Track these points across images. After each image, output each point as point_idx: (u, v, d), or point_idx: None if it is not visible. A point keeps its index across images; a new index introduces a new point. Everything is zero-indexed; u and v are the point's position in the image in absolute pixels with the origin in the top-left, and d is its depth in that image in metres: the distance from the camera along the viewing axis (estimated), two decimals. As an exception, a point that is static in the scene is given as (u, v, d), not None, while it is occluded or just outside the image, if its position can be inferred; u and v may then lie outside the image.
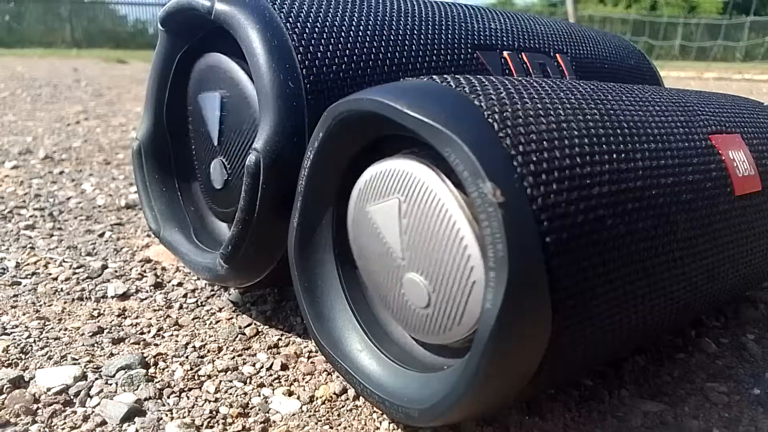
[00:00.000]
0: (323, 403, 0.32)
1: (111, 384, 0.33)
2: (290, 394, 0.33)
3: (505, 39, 0.43)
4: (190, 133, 0.42)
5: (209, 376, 0.34)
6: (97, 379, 0.33)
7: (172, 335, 0.39)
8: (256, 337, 0.39)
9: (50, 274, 0.48)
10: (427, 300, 0.26)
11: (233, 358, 0.36)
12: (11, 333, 0.38)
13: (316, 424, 0.30)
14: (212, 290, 0.46)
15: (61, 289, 0.45)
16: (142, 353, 0.36)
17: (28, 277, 0.47)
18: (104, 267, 0.49)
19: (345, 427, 0.30)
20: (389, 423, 0.31)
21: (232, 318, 0.41)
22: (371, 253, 0.29)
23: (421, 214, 0.25)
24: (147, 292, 0.45)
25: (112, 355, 0.36)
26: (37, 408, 0.31)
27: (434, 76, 0.27)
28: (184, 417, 0.30)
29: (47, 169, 0.86)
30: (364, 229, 0.29)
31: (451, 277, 0.25)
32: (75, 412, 0.30)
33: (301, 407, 0.32)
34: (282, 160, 0.32)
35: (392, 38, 0.37)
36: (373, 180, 0.28)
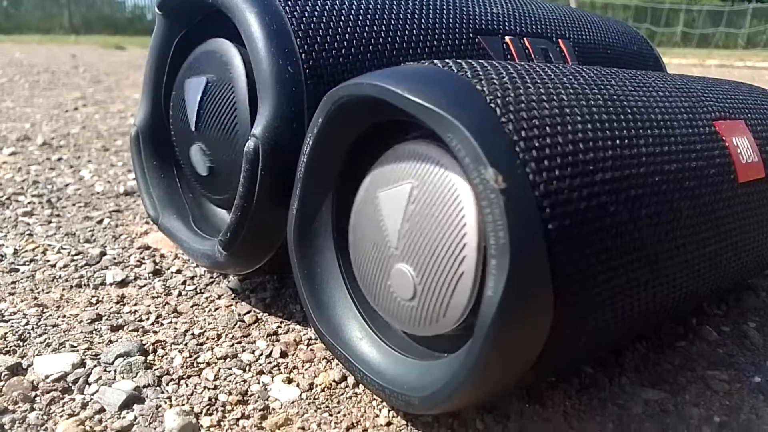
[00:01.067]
0: (323, 390, 0.32)
1: (110, 371, 0.33)
2: (289, 381, 0.33)
3: (506, 24, 0.43)
4: (170, 118, 0.42)
5: (208, 364, 0.34)
6: (95, 366, 0.33)
7: (170, 322, 0.39)
8: (256, 324, 0.39)
9: (48, 260, 0.48)
10: (412, 292, 0.26)
11: (232, 345, 0.36)
12: (9, 320, 0.38)
13: (316, 411, 0.30)
14: (211, 277, 0.46)
15: (60, 276, 0.45)
16: (141, 340, 0.36)
17: (26, 263, 0.47)
18: (103, 254, 0.49)
19: (344, 415, 0.30)
20: (389, 410, 0.31)
21: (231, 305, 0.41)
22: (367, 241, 0.29)
23: (430, 199, 0.25)
24: (146, 279, 0.45)
25: (110, 342, 0.36)
26: (36, 395, 0.30)
27: (435, 61, 0.26)
28: (183, 404, 0.30)
29: (45, 155, 0.86)
30: (366, 215, 0.28)
31: (439, 268, 0.25)
32: (73, 399, 0.30)
33: (300, 395, 0.32)
34: (281, 146, 0.32)
35: (392, 22, 0.37)
36: (389, 165, 0.27)
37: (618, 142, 0.26)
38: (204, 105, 0.37)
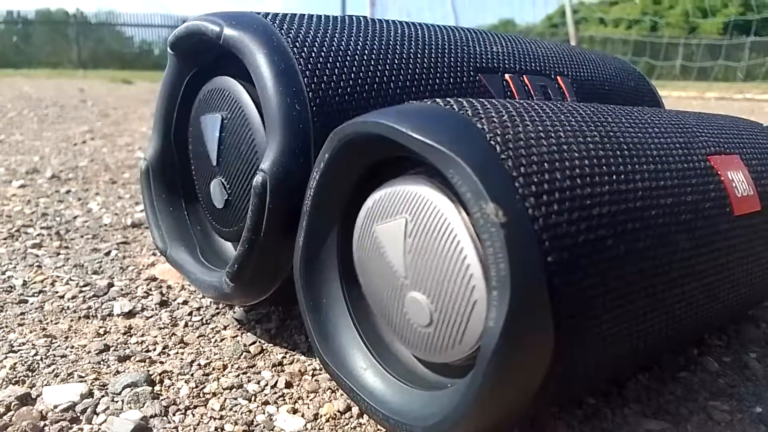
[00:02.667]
0: (327, 420, 0.32)
1: (117, 401, 0.33)
2: (294, 411, 0.33)
3: (506, 62, 0.44)
4: (190, 153, 0.43)
5: (214, 394, 0.34)
6: (103, 396, 0.33)
7: (177, 353, 0.39)
8: (261, 354, 0.39)
9: (57, 292, 0.48)
10: (429, 319, 0.27)
11: (238, 375, 0.37)
12: (18, 350, 0.38)
13: (321, 441, 0.31)
14: (217, 308, 0.46)
15: (68, 307, 0.45)
16: (148, 371, 0.36)
17: (35, 295, 0.48)
18: (110, 285, 0.50)
19: (349, 445, 0.30)
20: (393, 441, 0.31)
21: (237, 336, 0.42)
22: (374, 272, 0.29)
23: (426, 234, 0.26)
24: (152, 310, 0.46)
25: (118, 372, 0.36)
26: (44, 425, 0.31)
27: (437, 99, 0.27)
28: (189, 434, 0.31)
29: (54, 188, 0.87)
30: (368, 248, 0.29)
31: (453, 297, 0.25)
32: (82, 429, 0.31)
33: (305, 425, 0.32)
34: (288, 180, 0.33)
35: (396, 62, 0.38)
36: (382, 200, 0.28)
37: (615, 177, 0.26)
38: (224, 141, 0.38)
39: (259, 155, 0.36)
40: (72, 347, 0.39)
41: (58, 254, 0.58)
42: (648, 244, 0.27)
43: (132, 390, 0.34)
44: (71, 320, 0.43)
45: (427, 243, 0.26)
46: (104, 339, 0.41)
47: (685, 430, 0.32)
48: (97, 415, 0.32)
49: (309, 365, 0.38)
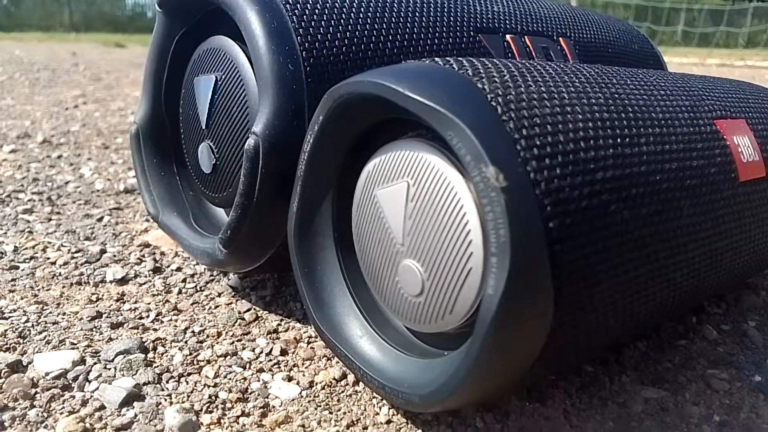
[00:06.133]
0: (323, 388, 0.32)
1: (110, 369, 0.33)
2: (290, 379, 0.33)
3: (507, 22, 0.43)
4: (180, 116, 0.42)
5: (208, 361, 0.34)
6: (95, 363, 0.33)
7: (171, 320, 0.39)
8: (256, 322, 0.39)
9: (48, 258, 0.48)
10: (420, 288, 0.26)
11: (232, 343, 0.36)
12: (9, 317, 0.38)
13: (316, 409, 0.30)
14: (211, 275, 0.46)
15: (60, 274, 0.45)
16: (141, 338, 0.36)
17: (26, 261, 0.47)
18: (103, 251, 0.49)
19: (344, 413, 0.30)
20: (389, 408, 0.31)
21: (231, 303, 0.41)
22: (371, 238, 0.29)
23: (428, 198, 0.25)
24: (146, 276, 0.45)
25: (110, 339, 0.36)
26: (36, 392, 0.30)
27: (436, 59, 0.26)
28: (183, 402, 0.30)
29: (45, 153, 0.86)
30: (367, 213, 0.28)
31: (447, 264, 0.24)
32: (73, 397, 0.30)
33: (300, 392, 0.32)
34: (281, 143, 0.32)
35: (394, 20, 0.37)
36: (383, 164, 0.27)
37: (619, 140, 0.26)
38: (216, 103, 0.37)
39: (251, 118, 0.35)
40: (64, 314, 0.39)
41: (50, 220, 0.57)
42: (652, 210, 0.26)
43: (125, 357, 0.33)
44: (63, 287, 0.43)
45: (429, 207, 0.25)
46: (97, 306, 0.40)
47: (683, 399, 0.32)
48: (90, 382, 0.32)
49: (304, 333, 0.38)
